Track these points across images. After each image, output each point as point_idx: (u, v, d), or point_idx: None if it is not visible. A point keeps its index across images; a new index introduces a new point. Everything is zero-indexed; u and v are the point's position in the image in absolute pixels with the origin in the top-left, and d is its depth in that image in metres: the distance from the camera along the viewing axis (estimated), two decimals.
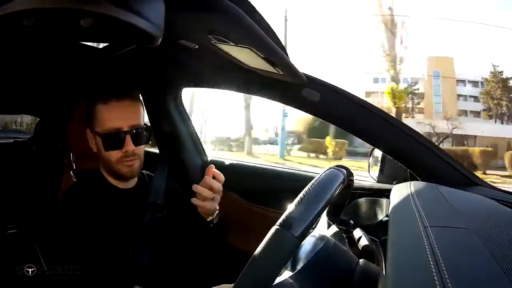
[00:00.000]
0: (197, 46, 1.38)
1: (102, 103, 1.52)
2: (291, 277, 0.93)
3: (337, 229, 1.33)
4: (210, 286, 1.65)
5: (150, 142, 1.66)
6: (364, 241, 1.26)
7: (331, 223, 1.21)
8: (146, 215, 1.59)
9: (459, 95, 22.34)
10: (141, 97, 1.65)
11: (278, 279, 0.81)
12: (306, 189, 0.89)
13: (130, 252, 1.47)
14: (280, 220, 0.80)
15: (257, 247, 0.76)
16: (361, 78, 23.00)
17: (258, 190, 2.21)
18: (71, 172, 1.92)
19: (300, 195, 0.87)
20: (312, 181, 0.92)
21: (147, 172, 1.78)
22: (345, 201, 1.29)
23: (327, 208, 1.19)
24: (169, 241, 1.58)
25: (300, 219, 0.80)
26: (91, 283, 1.36)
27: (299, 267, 0.96)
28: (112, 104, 1.51)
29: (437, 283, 0.54)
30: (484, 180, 1.53)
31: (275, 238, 0.78)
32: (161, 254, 1.54)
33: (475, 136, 20.49)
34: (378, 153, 1.84)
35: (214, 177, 1.57)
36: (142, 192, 1.66)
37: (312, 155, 20.51)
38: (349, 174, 1.03)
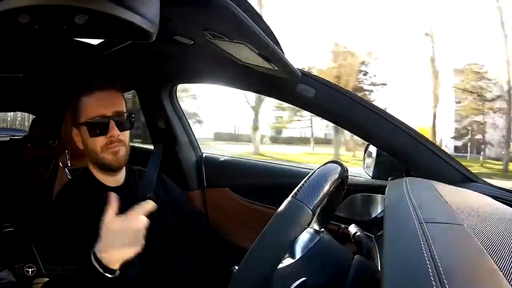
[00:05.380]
0: (192, 42, 1.38)
1: (86, 95, 1.55)
2: (290, 265, 0.95)
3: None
4: (205, 278, 1.66)
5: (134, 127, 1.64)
6: (359, 237, 1.26)
7: (321, 227, 1.21)
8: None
9: None
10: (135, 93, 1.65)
11: (279, 265, 0.83)
12: (311, 173, 0.92)
13: None
14: (294, 192, 0.83)
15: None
16: None
17: (254, 186, 2.21)
18: (66, 169, 1.92)
19: (308, 176, 0.90)
20: (315, 169, 0.94)
21: (139, 167, 1.77)
22: (336, 205, 1.29)
23: (318, 211, 1.20)
24: (160, 236, 1.57)
25: (313, 193, 0.83)
26: (88, 283, 1.35)
27: (297, 256, 0.98)
28: (97, 94, 1.54)
29: (432, 279, 0.54)
30: None
31: (290, 208, 0.80)
32: (153, 249, 1.53)
33: None
34: (373, 149, 1.84)
35: None
36: (131, 188, 1.66)
37: None
38: (345, 169, 1.04)
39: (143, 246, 1.38)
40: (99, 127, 1.51)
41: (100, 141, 1.52)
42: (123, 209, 1.54)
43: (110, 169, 1.58)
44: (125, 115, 1.57)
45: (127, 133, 1.59)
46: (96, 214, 1.46)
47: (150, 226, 1.56)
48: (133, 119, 1.62)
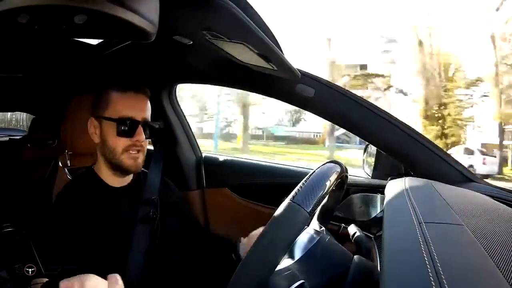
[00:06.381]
0: (191, 42, 1.37)
1: (119, 92, 1.54)
2: (289, 265, 0.95)
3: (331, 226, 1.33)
4: (205, 281, 1.65)
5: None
6: (359, 237, 1.26)
7: (322, 226, 1.21)
8: (140, 210, 1.58)
9: None
10: None
11: (278, 267, 0.82)
12: (309, 174, 0.92)
13: (123, 251, 1.46)
14: (291, 195, 0.83)
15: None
16: None
17: (254, 186, 2.21)
18: (66, 169, 1.92)
19: (306, 177, 0.90)
20: (314, 170, 0.94)
21: (142, 169, 1.77)
22: (336, 204, 1.29)
23: (318, 210, 1.20)
24: (161, 238, 1.57)
25: (310, 195, 0.83)
26: None
27: (296, 257, 0.98)
28: (130, 94, 1.53)
29: (431, 278, 0.54)
30: None
31: (287, 211, 0.80)
32: (154, 251, 1.53)
33: None
34: (372, 149, 1.84)
35: None
36: (136, 190, 1.64)
37: None
38: (344, 169, 1.04)
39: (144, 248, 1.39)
40: (128, 128, 1.51)
41: (123, 142, 1.51)
42: (126, 211, 1.55)
43: (124, 172, 1.58)
44: (151, 123, 1.58)
45: (147, 141, 1.59)
46: (99, 214, 1.47)
47: (151, 228, 1.57)
48: (156, 129, 1.63)
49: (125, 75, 2.18)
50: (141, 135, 1.51)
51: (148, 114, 1.57)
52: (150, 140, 2.42)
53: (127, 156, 1.52)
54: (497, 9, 18.67)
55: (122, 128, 1.50)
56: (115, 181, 1.61)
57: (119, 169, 1.56)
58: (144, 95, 1.57)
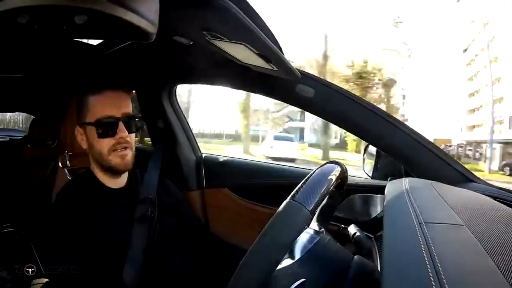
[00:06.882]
0: (191, 42, 1.37)
1: (95, 94, 1.53)
2: (289, 265, 0.95)
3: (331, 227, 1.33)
4: (205, 280, 1.65)
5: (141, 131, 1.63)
6: (359, 237, 1.26)
7: (321, 228, 1.21)
8: (138, 209, 1.59)
9: None
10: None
11: (278, 266, 0.82)
12: (310, 174, 0.92)
13: (122, 251, 1.47)
14: (292, 194, 0.83)
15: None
16: None
17: (253, 186, 2.21)
18: (65, 169, 1.92)
19: (307, 177, 0.90)
20: (314, 169, 0.94)
21: (139, 169, 1.77)
22: (336, 204, 1.29)
23: (319, 210, 1.20)
24: (159, 237, 1.57)
25: (311, 194, 0.83)
26: (88, 283, 1.35)
27: (296, 257, 0.98)
28: (106, 93, 1.53)
29: (432, 279, 0.54)
30: None
31: (289, 210, 0.80)
32: (152, 250, 1.53)
33: None
34: (372, 149, 1.84)
35: None
36: (133, 190, 1.65)
37: None
38: (344, 169, 1.04)
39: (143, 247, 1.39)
40: (108, 128, 1.50)
41: (107, 142, 1.51)
42: (124, 211, 1.55)
43: (116, 172, 1.58)
44: (134, 116, 1.57)
45: (133, 135, 1.58)
46: (97, 215, 1.47)
47: (149, 227, 1.57)
48: (140, 122, 1.62)
49: (125, 76, 2.18)
50: (123, 131, 1.51)
51: (129, 109, 1.56)
52: (150, 140, 2.44)
53: (114, 155, 1.52)
54: (458, 0, 19.08)
55: (102, 128, 1.50)
56: (111, 182, 1.61)
57: (110, 170, 1.56)
58: (122, 91, 1.56)
